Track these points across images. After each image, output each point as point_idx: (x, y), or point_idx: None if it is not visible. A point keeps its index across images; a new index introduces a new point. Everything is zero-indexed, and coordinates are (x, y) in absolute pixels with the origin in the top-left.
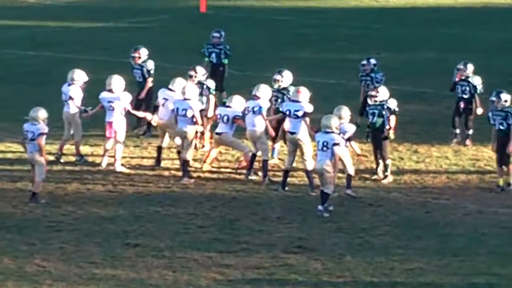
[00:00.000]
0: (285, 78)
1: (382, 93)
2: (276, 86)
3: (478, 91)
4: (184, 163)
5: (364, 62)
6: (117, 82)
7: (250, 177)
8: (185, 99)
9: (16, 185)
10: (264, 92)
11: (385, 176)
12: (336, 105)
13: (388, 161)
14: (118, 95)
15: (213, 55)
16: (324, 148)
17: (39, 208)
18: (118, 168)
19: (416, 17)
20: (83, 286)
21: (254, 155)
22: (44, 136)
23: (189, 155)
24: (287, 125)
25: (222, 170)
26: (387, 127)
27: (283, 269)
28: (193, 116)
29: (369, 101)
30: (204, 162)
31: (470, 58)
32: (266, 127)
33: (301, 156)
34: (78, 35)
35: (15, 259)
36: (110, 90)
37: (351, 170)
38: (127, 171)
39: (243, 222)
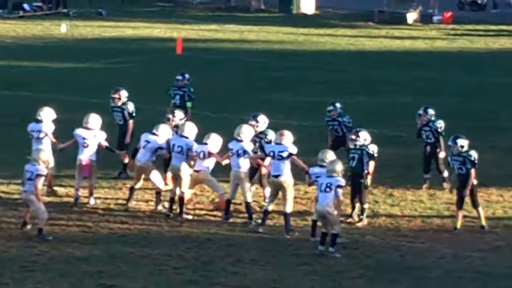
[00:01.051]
0: (261, 122)
1: (363, 137)
2: None
3: (440, 134)
4: (180, 200)
5: (331, 107)
6: (94, 120)
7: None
8: (182, 136)
9: None
10: (247, 134)
11: (360, 220)
12: (310, 148)
13: (366, 205)
14: (94, 132)
15: (177, 97)
16: (328, 189)
17: (13, 248)
18: (92, 202)
19: (393, 61)
20: None
21: (229, 201)
22: (42, 178)
23: (185, 192)
24: (264, 169)
25: (197, 211)
26: (365, 172)
27: None
28: (188, 154)
29: (350, 145)
30: None
31: (446, 101)
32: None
33: (283, 198)
34: (54, 75)
35: None
36: (87, 128)
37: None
38: (99, 202)
39: (217, 264)
